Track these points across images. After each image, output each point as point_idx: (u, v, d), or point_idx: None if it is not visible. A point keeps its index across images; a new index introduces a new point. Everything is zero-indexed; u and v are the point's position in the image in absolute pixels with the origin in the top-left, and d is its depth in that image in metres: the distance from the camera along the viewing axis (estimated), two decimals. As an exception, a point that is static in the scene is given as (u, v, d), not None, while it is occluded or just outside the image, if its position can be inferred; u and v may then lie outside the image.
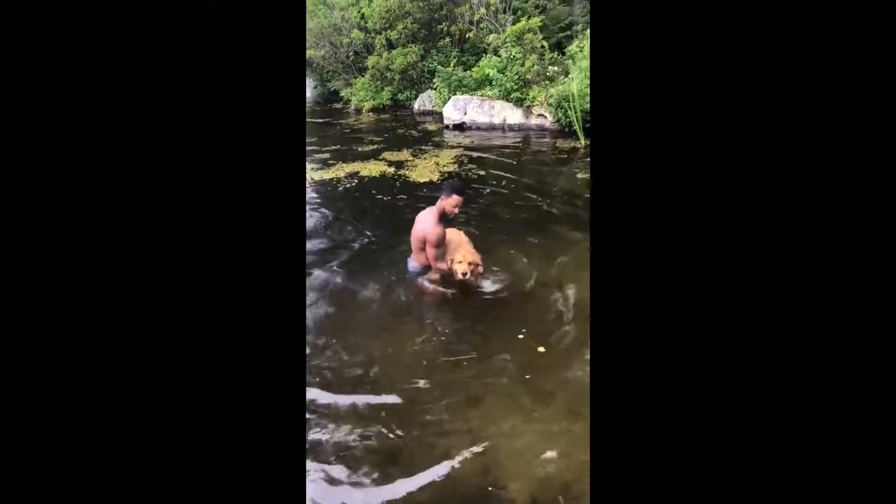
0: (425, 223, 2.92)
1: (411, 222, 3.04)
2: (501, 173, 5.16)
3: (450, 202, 2.82)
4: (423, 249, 2.96)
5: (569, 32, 7.90)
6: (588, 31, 6.85)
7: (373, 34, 8.83)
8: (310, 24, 9.20)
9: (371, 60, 8.65)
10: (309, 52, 9.49)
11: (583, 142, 5.95)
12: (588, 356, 2.36)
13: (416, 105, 8.32)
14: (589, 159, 5.45)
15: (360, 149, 6.34)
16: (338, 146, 6.55)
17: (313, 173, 5.28)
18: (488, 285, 2.97)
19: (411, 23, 8.40)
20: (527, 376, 2.24)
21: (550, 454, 1.83)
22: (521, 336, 2.50)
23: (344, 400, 2.12)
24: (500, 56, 7.14)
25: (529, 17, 7.10)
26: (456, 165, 5.41)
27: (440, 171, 5.19)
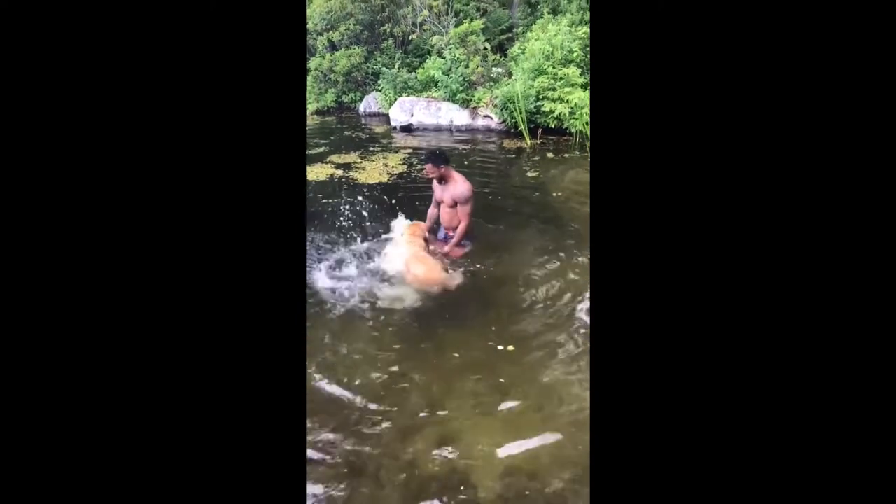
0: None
1: (359, 223, 2.99)
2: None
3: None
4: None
5: (510, 35, 8.06)
6: (528, 33, 7.02)
7: (314, 35, 8.59)
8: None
9: (313, 62, 8.40)
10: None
11: (528, 142, 6.07)
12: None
13: (362, 107, 8.17)
14: (537, 158, 5.58)
15: (306, 152, 6.12)
16: (282, 150, 6.27)
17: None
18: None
19: (353, 24, 8.26)
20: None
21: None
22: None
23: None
24: (444, 58, 7.17)
25: (472, 20, 7.17)
26: (406, 166, 5.35)
27: (389, 173, 5.12)
